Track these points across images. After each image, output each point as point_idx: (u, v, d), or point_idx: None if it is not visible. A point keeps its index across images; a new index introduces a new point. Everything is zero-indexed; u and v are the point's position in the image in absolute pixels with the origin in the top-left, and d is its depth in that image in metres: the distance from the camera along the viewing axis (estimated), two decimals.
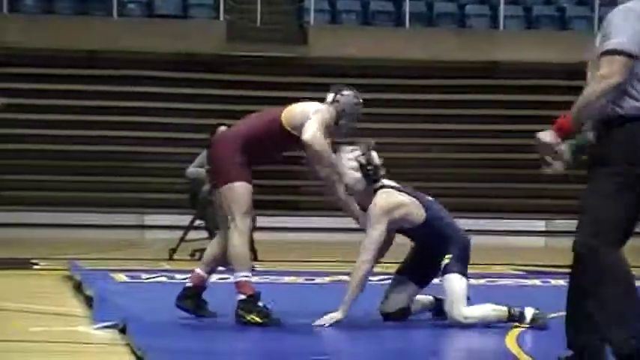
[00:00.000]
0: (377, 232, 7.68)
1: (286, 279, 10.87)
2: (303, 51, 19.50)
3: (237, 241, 7.72)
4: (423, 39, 19.60)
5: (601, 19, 22.53)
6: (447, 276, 7.74)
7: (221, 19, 19.72)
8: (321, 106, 7.84)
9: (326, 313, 7.57)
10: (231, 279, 7.88)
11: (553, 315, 8.27)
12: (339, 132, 7.91)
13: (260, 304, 7.67)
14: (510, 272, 11.54)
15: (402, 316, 7.93)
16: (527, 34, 20.19)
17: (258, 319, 7.60)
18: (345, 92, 7.97)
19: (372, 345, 7.35)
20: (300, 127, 7.70)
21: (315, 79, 18.83)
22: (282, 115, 7.83)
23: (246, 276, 7.71)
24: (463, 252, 7.84)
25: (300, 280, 10.75)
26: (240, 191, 7.69)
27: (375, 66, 18.91)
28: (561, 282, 11.05)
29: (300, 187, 19.34)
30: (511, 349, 6.88)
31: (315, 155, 7.76)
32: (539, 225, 17.98)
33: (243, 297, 7.69)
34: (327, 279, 10.65)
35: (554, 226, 18.03)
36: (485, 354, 7.13)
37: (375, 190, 7.72)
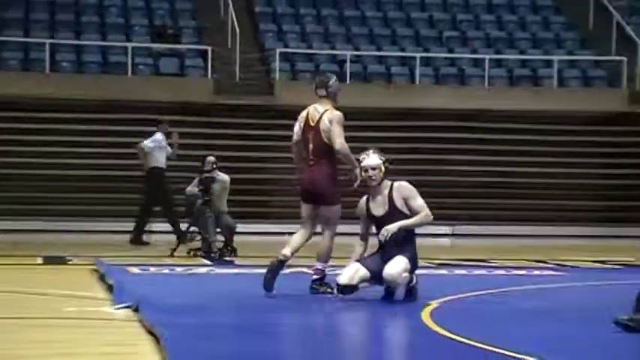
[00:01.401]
0: (422, 200, 7.93)
1: (258, 270, 10.81)
2: (270, 100, 19.49)
3: (328, 243, 8.29)
4: (360, 91, 19.62)
5: (490, 78, 22.40)
6: (401, 255, 7.76)
7: (209, 77, 19.68)
8: (333, 115, 8.29)
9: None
10: (316, 265, 8.31)
11: (457, 296, 8.29)
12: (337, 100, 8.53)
13: (326, 281, 8.23)
14: (425, 264, 11.55)
15: (351, 292, 7.92)
16: (436, 88, 20.29)
17: (328, 289, 8.16)
18: (331, 82, 8.52)
19: (309, 320, 7.22)
20: (330, 135, 8.25)
21: (279, 121, 18.82)
22: (325, 139, 8.26)
23: (323, 266, 8.28)
24: (416, 256, 7.98)
25: None
26: (336, 210, 8.29)
27: None
28: (463, 272, 11.10)
29: (269, 202, 19.32)
30: (428, 324, 6.81)
31: (343, 155, 8.24)
32: (447, 229, 18.04)
33: (317, 277, 8.23)
34: (288, 270, 10.59)
35: (458, 231, 18.11)
36: (408, 329, 7.04)
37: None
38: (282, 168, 18.83)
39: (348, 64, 20.06)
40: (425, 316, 7.10)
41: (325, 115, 8.31)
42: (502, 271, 11.11)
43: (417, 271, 8.14)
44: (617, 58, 20.51)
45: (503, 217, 18.93)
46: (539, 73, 20.69)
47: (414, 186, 8.13)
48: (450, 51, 21.15)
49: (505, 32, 21.97)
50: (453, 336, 6.19)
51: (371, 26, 21.85)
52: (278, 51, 19.89)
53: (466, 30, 21.90)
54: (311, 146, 8.31)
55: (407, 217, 7.93)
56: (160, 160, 14.74)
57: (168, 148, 14.84)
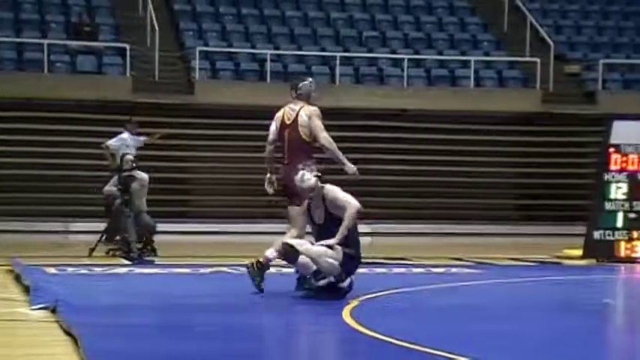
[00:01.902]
0: (355, 200, 7.89)
1: (178, 270, 10.73)
2: (190, 99, 19.34)
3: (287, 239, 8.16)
4: (280, 91, 19.42)
5: (409, 77, 22.60)
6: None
7: (128, 74, 19.43)
8: (310, 110, 8.34)
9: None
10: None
11: (377, 294, 8.34)
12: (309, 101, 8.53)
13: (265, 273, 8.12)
14: None
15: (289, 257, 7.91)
16: (356, 87, 20.39)
17: (258, 279, 8.07)
18: (300, 85, 8.61)
19: (230, 319, 7.18)
20: (310, 132, 8.25)
21: (199, 120, 18.75)
22: (302, 135, 8.28)
23: (273, 256, 8.15)
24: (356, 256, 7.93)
25: (189, 270, 10.63)
26: (299, 211, 8.17)
27: (244, 110, 18.83)
28: (383, 270, 11.17)
29: (190, 201, 19.17)
30: (348, 321, 6.85)
31: (328, 149, 8.25)
32: (366, 228, 18.11)
33: (260, 260, 8.12)
34: (209, 270, 10.55)
35: (377, 229, 18.22)
36: (328, 326, 7.00)
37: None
38: (202, 167, 18.71)
39: (268, 63, 20.03)
40: (345, 314, 7.12)
41: (302, 110, 8.39)
42: (421, 270, 11.20)
43: None
44: (531, 59, 20.91)
45: (421, 216, 19.13)
46: (457, 73, 20.96)
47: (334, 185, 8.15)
48: (370, 51, 21.28)
49: (423, 33, 22.21)
50: (374, 334, 6.21)
51: (291, 25, 21.86)
52: (198, 49, 19.75)
53: (385, 30, 22.07)
54: (287, 144, 8.32)
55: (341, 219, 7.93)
56: None
57: (140, 138, 15.05)
